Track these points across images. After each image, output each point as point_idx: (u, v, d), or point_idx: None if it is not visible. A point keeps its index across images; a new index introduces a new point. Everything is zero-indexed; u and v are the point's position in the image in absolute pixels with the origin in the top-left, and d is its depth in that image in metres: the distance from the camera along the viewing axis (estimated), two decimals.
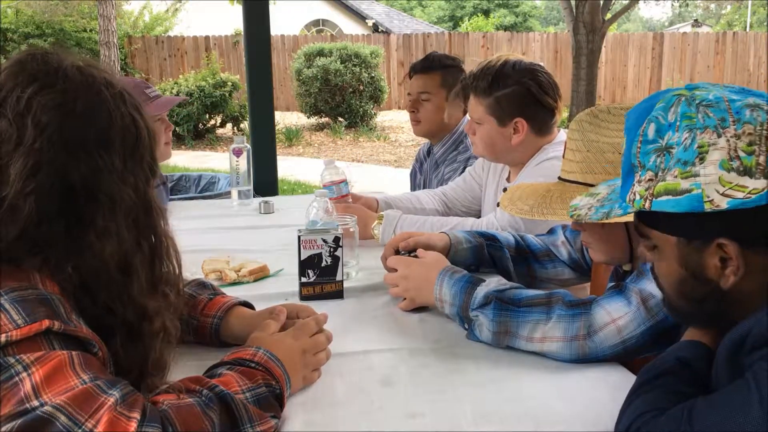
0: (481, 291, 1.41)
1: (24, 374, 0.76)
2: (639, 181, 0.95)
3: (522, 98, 2.06)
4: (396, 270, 1.62)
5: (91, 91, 0.89)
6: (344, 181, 2.45)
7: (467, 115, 2.78)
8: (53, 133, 0.85)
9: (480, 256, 1.75)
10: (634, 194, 0.96)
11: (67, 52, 0.92)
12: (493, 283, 1.44)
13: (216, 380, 0.97)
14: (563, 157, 1.52)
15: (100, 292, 0.90)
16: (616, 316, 1.28)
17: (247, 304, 1.42)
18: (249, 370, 1.03)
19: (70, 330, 0.82)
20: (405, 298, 1.60)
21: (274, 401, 1.02)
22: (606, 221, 1.07)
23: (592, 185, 1.42)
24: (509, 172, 2.26)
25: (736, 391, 0.84)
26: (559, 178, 1.52)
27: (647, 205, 0.93)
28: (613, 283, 1.55)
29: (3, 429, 0.74)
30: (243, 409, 0.93)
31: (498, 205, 2.15)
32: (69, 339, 0.82)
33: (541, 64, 2.16)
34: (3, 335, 0.77)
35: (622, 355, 1.29)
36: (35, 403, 0.75)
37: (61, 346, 0.81)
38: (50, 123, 0.85)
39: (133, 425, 0.79)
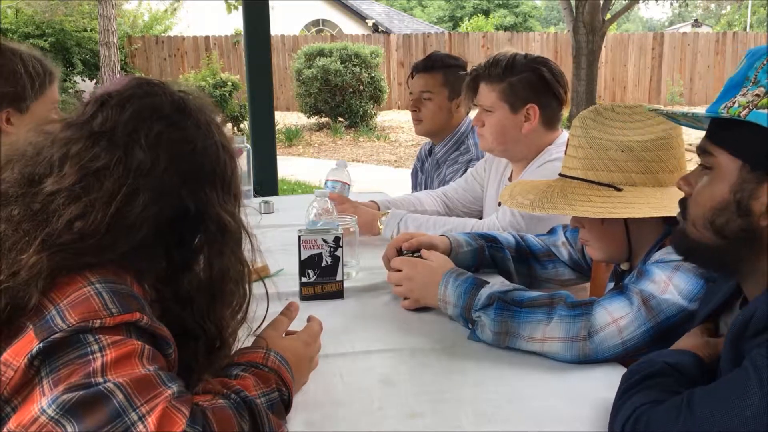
0: (484, 292, 1.41)
1: (98, 354, 0.81)
2: (744, 94, 0.95)
3: (535, 84, 2.06)
4: (399, 270, 1.61)
5: (208, 132, 1.01)
6: (347, 185, 2.45)
7: (469, 115, 2.79)
8: (179, 166, 0.96)
9: (480, 258, 1.75)
10: (734, 103, 0.95)
11: (178, 86, 1.05)
12: (497, 284, 1.44)
13: (237, 383, 0.98)
14: (565, 153, 1.52)
15: (193, 306, 0.99)
16: (618, 316, 1.28)
17: None
18: (264, 373, 1.03)
19: (155, 327, 0.88)
20: (407, 298, 1.60)
21: (282, 407, 1.03)
22: (684, 119, 1.08)
23: (593, 182, 1.42)
24: (511, 172, 2.26)
25: (735, 378, 0.85)
26: (560, 174, 1.52)
27: (744, 113, 0.93)
28: (612, 284, 1.55)
29: (63, 397, 0.78)
30: (265, 416, 0.94)
31: (500, 204, 2.16)
32: (147, 335, 0.88)
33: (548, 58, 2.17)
34: (98, 320, 0.82)
35: (622, 356, 1.29)
36: (99, 379, 0.80)
37: (137, 338, 0.86)
38: (177, 157, 0.96)
39: (183, 423, 0.81)
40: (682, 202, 1.07)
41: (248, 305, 1.06)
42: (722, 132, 0.98)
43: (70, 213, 0.88)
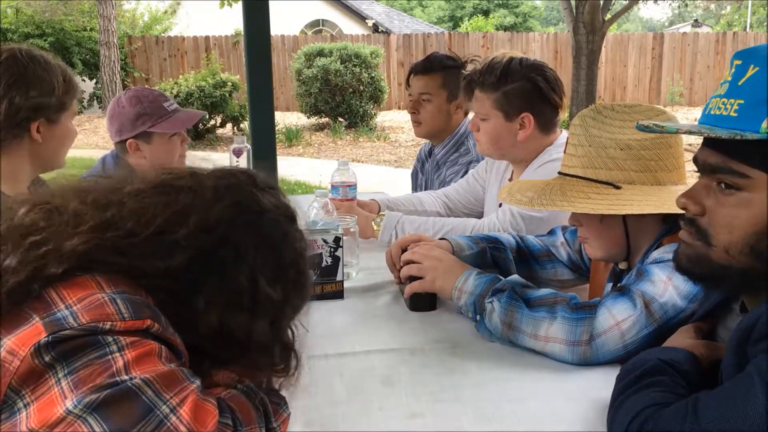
0: (501, 281, 1.43)
1: (117, 354, 0.81)
2: None
3: (530, 93, 2.05)
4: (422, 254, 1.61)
5: (276, 219, 1.01)
6: (352, 185, 2.44)
7: (468, 116, 2.79)
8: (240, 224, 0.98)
9: (482, 260, 1.75)
10: None
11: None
12: (515, 278, 1.46)
13: (237, 374, 0.98)
14: (564, 152, 1.52)
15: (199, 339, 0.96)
16: (621, 319, 1.29)
17: None
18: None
19: (167, 336, 0.88)
20: (411, 282, 1.58)
21: (272, 393, 1.03)
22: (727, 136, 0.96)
23: (591, 179, 1.42)
24: (512, 173, 2.26)
25: (739, 383, 0.85)
26: (559, 172, 1.52)
27: None
28: (612, 283, 1.56)
29: (91, 397, 0.77)
30: (268, 403, 0.95)
31: (500, 205, 2.16)
32: (164, 343, 0.88)
33: (544, 62, 2.16)
34: (109, 323, 0.82)
35: (623, 358, 1.29)
36: (125, 377, 0.80)
37: (153, 341, 0.86)
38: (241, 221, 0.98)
39: (215, 414, 0.82)
40: (691, 223, 1.01)
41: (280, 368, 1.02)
42: (753, 150, 0.91)
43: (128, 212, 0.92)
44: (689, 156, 1.49)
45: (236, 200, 0.98)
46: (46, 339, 0.80)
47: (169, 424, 0.78)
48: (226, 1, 11.50)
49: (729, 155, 0.95)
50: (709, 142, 0.99)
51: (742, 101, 0.93)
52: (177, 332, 0.92)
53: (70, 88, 1.73)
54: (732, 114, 0.94)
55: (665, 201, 1.34)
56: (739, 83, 0.94)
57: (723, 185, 0.96)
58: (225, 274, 0.95)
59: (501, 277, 1.47)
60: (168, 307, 0.92)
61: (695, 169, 1.04)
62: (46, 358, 0.79)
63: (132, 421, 0.77)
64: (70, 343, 0.80)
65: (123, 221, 0.91)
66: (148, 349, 0.83)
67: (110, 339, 0.82)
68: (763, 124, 0.90)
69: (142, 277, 0.91)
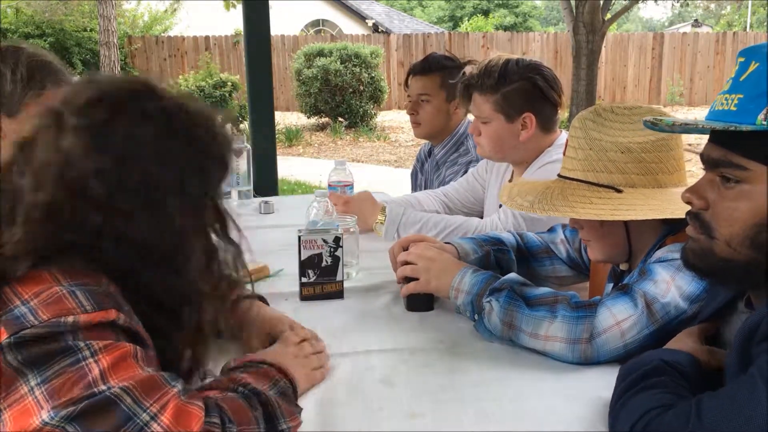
0: (499, 281, 1.43)
1: (91, 360, 0.79)
2: None
3: (530, 93, 2.05)
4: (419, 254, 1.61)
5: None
6: (350, 185, 2.44)
7: (468, 116, 2.79)
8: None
9: (486, 263, 1.75)
10: None
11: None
12: (513, 276, 1.46)
13: (242, 377, 0.98)
14: (564, 154, 1.52)
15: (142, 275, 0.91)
16: (621, 319, 1.29)
17: (262, 299, 1.44)
18: (263, 370, 1.05)
19: (133, 326, 0.86)
20: (410, 281, 1.59)
21: (292, 394, 1.04)
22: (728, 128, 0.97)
23: (592, 183, 1.42)
24: (512, 174, 2.26)
25: (743, 385, 0.85)
26: (559, 175, 1.52)
27: None
28: (612, 284, 1.55)
29: (65, 411, 0.75)
30: (276, 405, 0.95)
31: (501, 206, 2.16)
32: (131, 334, 0.86)
33: (540, 61, 2.16)
34: (71, 317, 0.80)
35: (623, 357, 1.29)
36: (102, 387, 0.78)
37: (126, 340, 0.84)
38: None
39: (201, 416, 0.81)
40: (696, 217, 1.02)
41: (214, 262, 0.99)
42: (753, 143, 0.93)
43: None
44: (689, 156, 1.49)
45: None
46: (8, 340, 0.77)
47: (150, 431, 0.77)
48: (230, 4, 11.50)
49: (730, 148, 0.96)
50: (712, 137, 1.00)
51: (742, 95, 0.95)
52: (133, 303, 0.88)
53: (26, 81, 1.62)
54: (732, 108, 0.96)
55: (667, 205, 1.34)
56: (741, 79, 0.96)
57: (724, 178, 0.98)
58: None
59: (498, 276, 1.47)
60: (122, 278, 0.87)
61: (699, 167, 1.04)
62: (13, 362, 0.77)
63: (112, 430, 0.76)
64: (38, 348, 0.77)
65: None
66: (123, 352, 0.81)
67: (82, 344, 0.79)
68: (760, 116, 0.91)
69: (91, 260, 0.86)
